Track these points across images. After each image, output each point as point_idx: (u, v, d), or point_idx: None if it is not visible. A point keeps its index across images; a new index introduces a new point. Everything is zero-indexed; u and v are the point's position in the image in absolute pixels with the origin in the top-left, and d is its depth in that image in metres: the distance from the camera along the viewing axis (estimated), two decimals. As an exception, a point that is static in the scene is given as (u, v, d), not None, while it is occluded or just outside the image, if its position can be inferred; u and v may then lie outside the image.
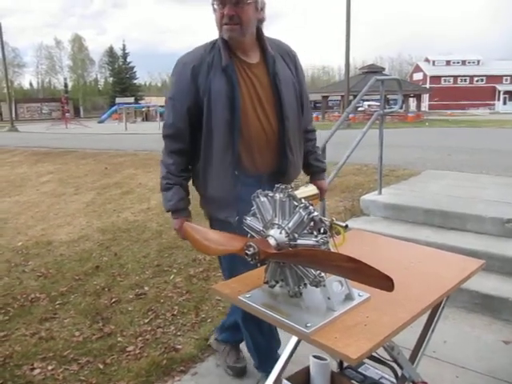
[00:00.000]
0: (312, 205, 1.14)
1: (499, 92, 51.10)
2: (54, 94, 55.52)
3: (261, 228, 1.22)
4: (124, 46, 53.95)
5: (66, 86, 54.77)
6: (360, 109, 30.16)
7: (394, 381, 1.55)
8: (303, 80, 1.92)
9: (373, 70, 31.80)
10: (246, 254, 1.11)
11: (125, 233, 4.52)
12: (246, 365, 2.27)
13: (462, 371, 2.21)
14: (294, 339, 1.65)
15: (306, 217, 1.10)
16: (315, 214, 1.10)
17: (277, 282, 1.24)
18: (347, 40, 21.18)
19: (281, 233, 1.14)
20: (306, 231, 1.13)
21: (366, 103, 32.31)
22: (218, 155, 1.74)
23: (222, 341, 2.38)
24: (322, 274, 1.12)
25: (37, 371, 2.40)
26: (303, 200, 1.14)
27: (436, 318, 1.44)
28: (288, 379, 1.55)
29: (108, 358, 2.46)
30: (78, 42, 58.08)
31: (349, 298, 1.24)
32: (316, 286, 1.13)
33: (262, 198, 1.21)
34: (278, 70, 1.76)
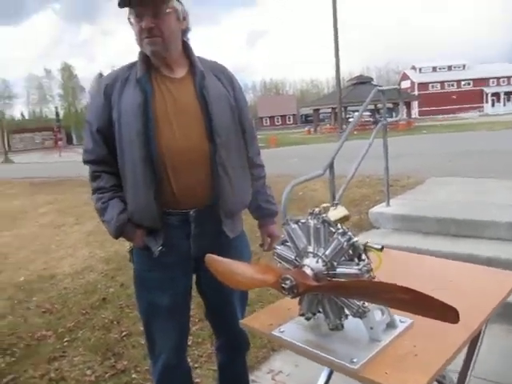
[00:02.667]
0: (348, 229, 1.06)
1: (487, 94, 51.67)
2: (46, 123, 55.60)
3: (293, 257, 1.14)
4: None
5: (57, 114, 54.79)
6: (350, 119, 30.37)
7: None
8: (244, 105, 1.72)
9: (362, 81, 32.16)
10: (283, 288, 1.02)
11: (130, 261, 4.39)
12: None
13: (498, 388, 2.11)
14: (326, 372, 1.55)
15: (345, 243, 1.02)
16: (355, 239, 1.02)
17: (314, 314, 1.16)
18: (336, 52, 21.43)
19: (317, 262, 1.06)
20: (344, 258, 1.05)
21: (356, 114, 32.54)
22: (135, 175, 1.53)
23: None
24: (366, 304, 1.03)
25: (50, 417, 2.27)
26: (339, 225, 1.06)
27: (481, 338, 1.35)
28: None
29: (124, 398, 2.35)
30: (67, 71, 58.48)
31: (391, 325, 1.16)
32: (360, 317, 1.05)
33: (293, 225, 1.13)
34: (206, 84, 1.56)
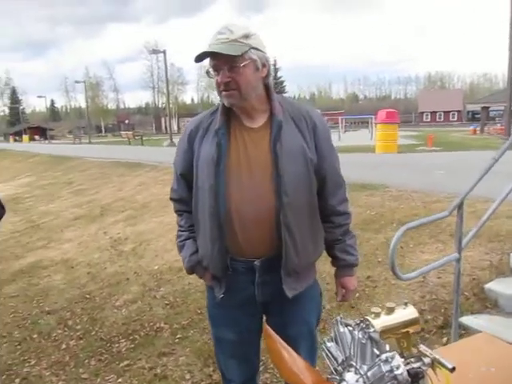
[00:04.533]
0: (393, 357, 0.90)
1: None
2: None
3: (340, 360, 1.02)
4: (275, 61, 56.61)
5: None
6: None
7: None
8: (328, 153, 1.61)
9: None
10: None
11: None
12: None
13: None
14: None
15: (386, 374, 0.87)
16: (399, 372, 0.87)
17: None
18: (511, 40, 18.83)
19: (357, 381, 0.94)
20: (389, 384, 0.90)
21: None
22: (204, 225, 1.59)
23: None
24: None
25: (144, 414, 2.50)
26: (387, 347, 0.91)
27: None
28: None
29: (209, 414, 2.45)
30: (232, 60, 63.01)
31: None
32: None
33: (342, 329, 1.01)
34: (281, 136, 1.51)
